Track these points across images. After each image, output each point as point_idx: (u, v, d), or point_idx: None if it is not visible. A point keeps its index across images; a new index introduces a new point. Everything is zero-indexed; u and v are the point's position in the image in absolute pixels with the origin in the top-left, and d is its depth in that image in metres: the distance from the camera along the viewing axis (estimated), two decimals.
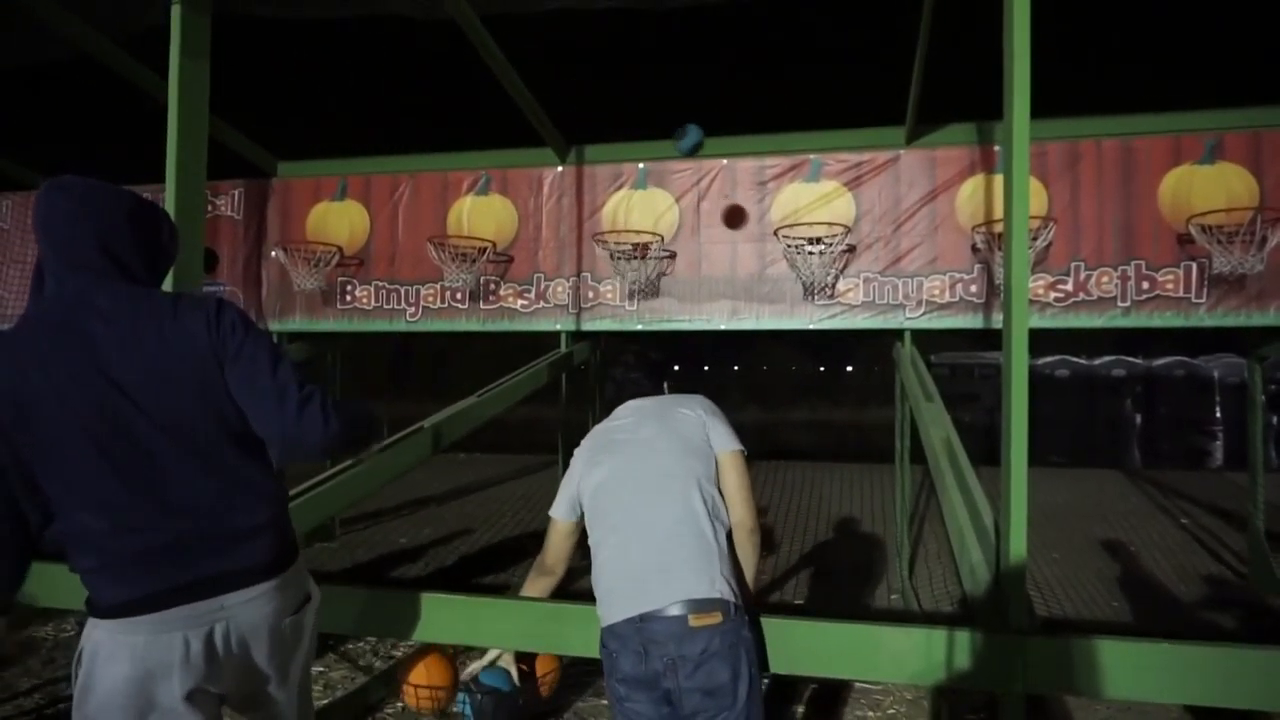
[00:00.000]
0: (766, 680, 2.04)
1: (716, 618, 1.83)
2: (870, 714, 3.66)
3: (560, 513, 2.22)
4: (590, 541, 2.10)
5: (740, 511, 2.04)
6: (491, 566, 5.82)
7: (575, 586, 2.65)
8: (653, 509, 1.97)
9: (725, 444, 2.08)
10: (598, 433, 2.26)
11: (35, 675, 4.02)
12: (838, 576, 5.64)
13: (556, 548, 2.26)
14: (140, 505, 1.53)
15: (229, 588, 1.57)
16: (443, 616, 2.43)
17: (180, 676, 1.53)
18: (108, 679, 1.50)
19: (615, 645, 1.92)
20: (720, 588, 1.88)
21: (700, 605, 1.84)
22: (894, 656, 2.16)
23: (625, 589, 1.92)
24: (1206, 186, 4.53)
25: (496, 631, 2.46)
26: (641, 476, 2.02)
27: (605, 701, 3.66)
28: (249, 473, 1.63)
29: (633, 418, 2.20)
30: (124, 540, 1.52)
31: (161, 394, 1.55)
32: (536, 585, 2.33)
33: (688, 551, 1.90)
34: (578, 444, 2.27)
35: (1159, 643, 2.04)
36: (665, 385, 2.41)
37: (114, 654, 1.51)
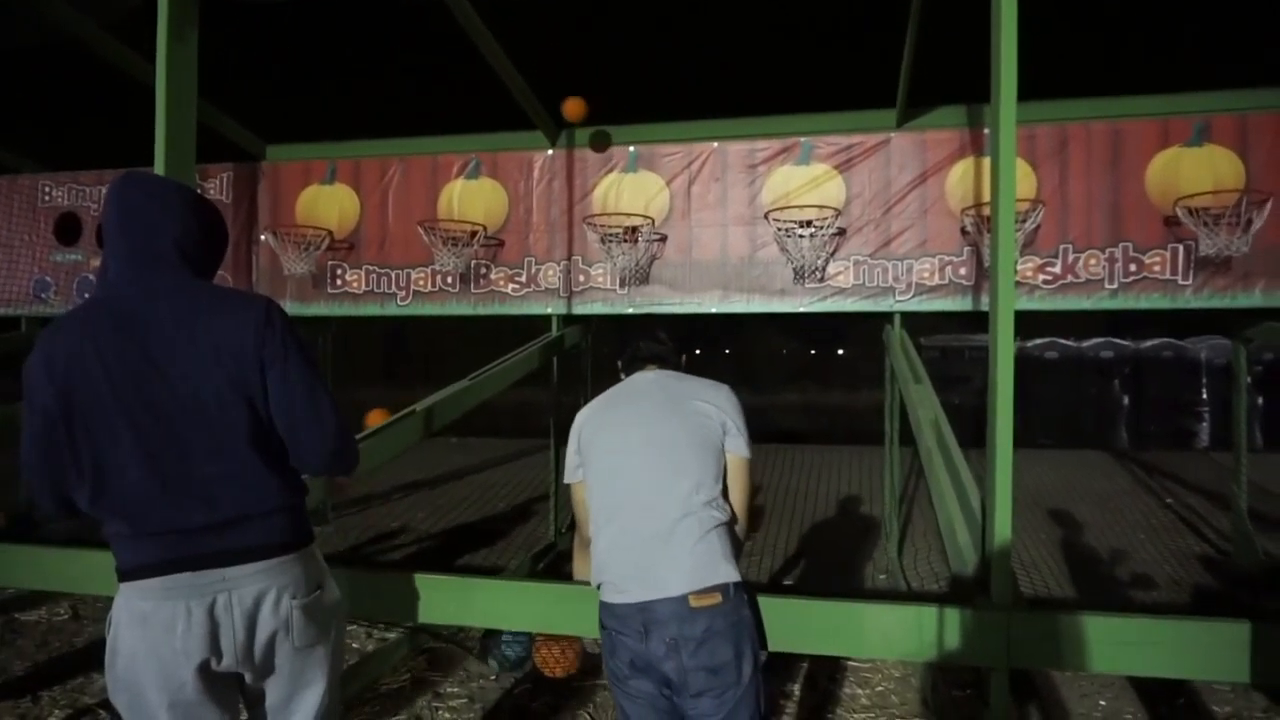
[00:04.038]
0: (764, 656, 2.05)
1: (716, 598, 1.86)
2: (860, 691, 3.71)
3: (577, 476, 2.13)
4: (592, 514, 2.07)
5: (739, 518, 2.05)
6: (483, 548, 5.85)
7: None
8: (661, 496, 1.95)
9: (738, 449, 2.05)
10: (612, 400, 2.16)
11: (28, 658, 4.04)
12: (828, 557, 5.70)
13: (588, 516, 2.11)
14: (162, 487, 1.63)
15: (232, 562, 1.65)
16: (436, 597, 2.45)
17: (183, 645, 1.62)
18: (127, 645, 1.64)
19: (615, 624, 1.93)
20: (724, 572, 1.90)
21: (702, 590, 1.86)
22: (883, 634, 2.20)
23: (628, 572, 1.92)
24: (1194, 169, 4.56)
25: (489, 611, 2.49)
26: (655, 468, 1.98)
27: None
28: (266, 462, 1.70)
29: (653, 397, 2.09)
30: (144, 516, 1.64)
31: (197, 378, 1.64)
32: (585, 560, 2.17)
33: (692, 540, 1.90)
34: (568, 427, 2.23)
35: (1140, 618, 2.08)
36: (683, 359, 2.29)
37: (130, 621, 1.64)
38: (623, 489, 2.00)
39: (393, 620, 4.05)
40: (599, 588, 1.99)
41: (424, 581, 2.45)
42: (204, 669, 1.65)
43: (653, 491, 1.96)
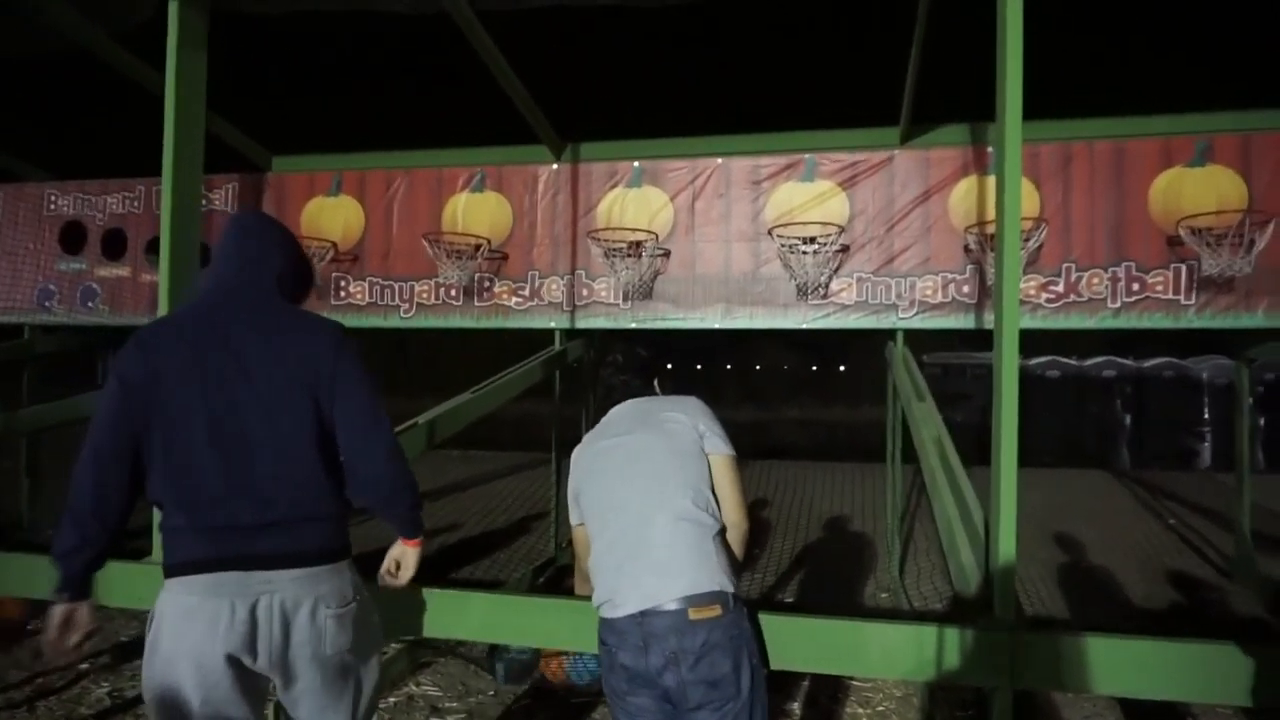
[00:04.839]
0: (764, 671, 2.04)
1: (716, 610, 1.86)
2: (861, 710, 3.69)
3: (577, 519, 2.21)
4: (590, 540, 2.12)
5: (732, 514, 2.07)
6: (484, 561, 5.84)
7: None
8: (650, 509, 1.98)
9: (717, 448, 2.09)
10: (592, 438, 2.25)
11: (25, 667, 4.02)
12: (829, 574, 5.68)
13: (586, 553, 2.18)
14: (225, 479, 1.74)
15: (279, 565, 1.75)
16: (436, 611, 2.44)
17: (224, 642, 1.70)
18: (168, 640, 1.72)
19: (614, 640, 1.93)
20: (719, 581, 1.90)
21: (699, 599, 1.86)
22: (884, 653, 2.18)
23: (624, 586, 1.93)
24: (1196, 189, 4.57)
25: (489, 625, 2.48)
26: (637, 479, 2.03)
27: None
28: (323, 470, 1.83)
29: (626, 422, 2.20)
30: (203, 508, 1.74)
31: (276, 386, 1.79)
32: (586, 589, 2.29)
33: (686, 549, 1.92)
34: (571, 441, 2.30)
35: (1145, 639, 2.07)
36: (656, 384, 2.40)
37: (173, 616, 1.73)
38: (610, 506, 2.05)
39: (392, 633, 4.04)
40: (599, 607, 2.00)
41: (424, 595, 2.44)
42: (239, 667, 1.72)
43: (639, 501, 2.00)
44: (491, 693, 3.81)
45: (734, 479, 2.09)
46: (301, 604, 1.76)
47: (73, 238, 6.17)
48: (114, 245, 6.07)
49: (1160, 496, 8.27)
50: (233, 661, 1.71)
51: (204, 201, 5.69)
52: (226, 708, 1.73)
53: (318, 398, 1.81)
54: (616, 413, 2.27)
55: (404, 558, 2.04)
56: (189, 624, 1.71)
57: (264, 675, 1.79)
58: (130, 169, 5.98)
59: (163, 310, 2.76)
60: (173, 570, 1.75)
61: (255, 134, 5.80)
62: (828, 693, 3.82)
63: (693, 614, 1.84)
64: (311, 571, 1.78)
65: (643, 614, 1.87)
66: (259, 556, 1.74)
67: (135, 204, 6.03)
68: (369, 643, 1.93)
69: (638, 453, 2.07)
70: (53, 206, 6.20)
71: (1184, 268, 4.57)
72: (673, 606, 1.85)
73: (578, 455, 2.24)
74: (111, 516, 1.76)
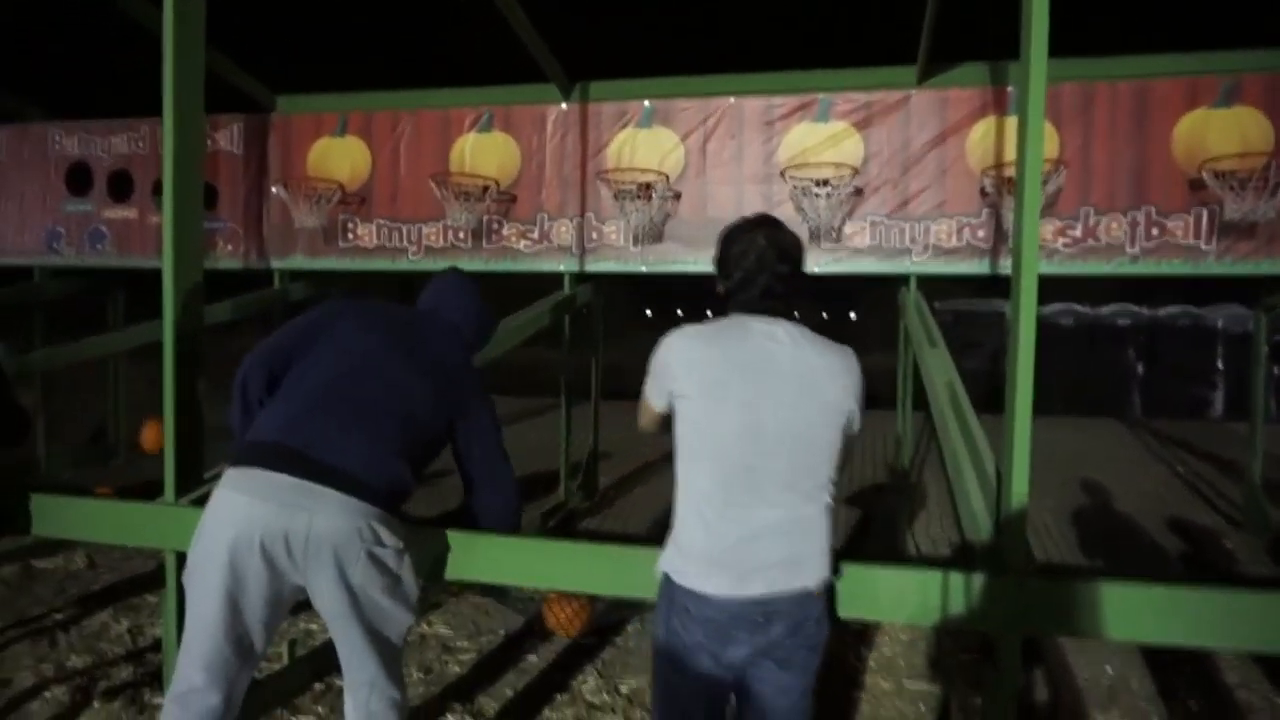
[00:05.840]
0: None
1: (824, 583, 1.90)
2: (867, 653, 3.73)
3: (663, 403, 1.91)
4: (690, 476, 1.85)
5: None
6: None
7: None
8: (794, 492, 1.83)
9: (853, 430, 1.96)
10: (734, 345, 1.85)
11: (46, 603, 4.10)
12: (837, 519, 5.72)
13: (656, 426, 1.99)
14: (328, 414, 1.96)
15: (333, 483, 1.88)
16: (446, 553, 2.45)
17: (261, 543, 1.84)
18: (209, 529, 1.90)
19: (723, 618, 1.79)
20: (833, 564, 1.91)
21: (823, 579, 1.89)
22: (892, 597, 2.19)
23: (749, 566, 1.80)
24: (1222, 130, 4.44)
25: (498, 568, 2.49)
26: (785, 451, 1.82)
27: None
28: (406, 462, 2.02)
29: (787, 366, 1.83)
30: (293, 420, 1.95)
31: (405, 377, 2.07)
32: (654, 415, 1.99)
33: (821, 535, 1.87)
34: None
35: (1153, 585, 2.06)
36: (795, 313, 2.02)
37: (220, 510, 1.90)
38: (739, 462, 1.80)
39: None
40: (695, 576, 1.81)
41: (433, 537, 2.45)
42: (270, 564, 1.85)
43: (787, 487, 1.83)
44: (502, 632, 3.87)
45: (848, 458, 2.01)
46: (340, 528, 1.86)
47: (79, 179, 6.13)
48: (120, 186, 6.03)
49: (1172, 445, 8.26)
50: (265, 554, 1.84)
51: (209, 142, 5.63)
52: (249, 603, 1.86)
53: (441, 409, 2.10)
54: (771, 342, 1.85)
55: None
56: (230, 515, 1.86)
57: (289, 595, 1.93)
58: (132, 108, 5.90)
59: (168, 252, 2.74)
60: (237, 457, 1.94)
61: (259, 73, 5.70)
62: (835, 637, 3.86)
63: (816, 591, 1.87)
64: (359, 504, 1.89)
65: (768, 597, 1.80)
66: (320, 470, 1.87)
67: (140, 144, 5.96)
68: (397, 598, 2.00)
69: (799, 430, 1.82)
70: (58, 147, 6.14)
71: (1205, 212, 4.48)
72: (800, 587, 1.84)
73: (707, 350, 1.85)
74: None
